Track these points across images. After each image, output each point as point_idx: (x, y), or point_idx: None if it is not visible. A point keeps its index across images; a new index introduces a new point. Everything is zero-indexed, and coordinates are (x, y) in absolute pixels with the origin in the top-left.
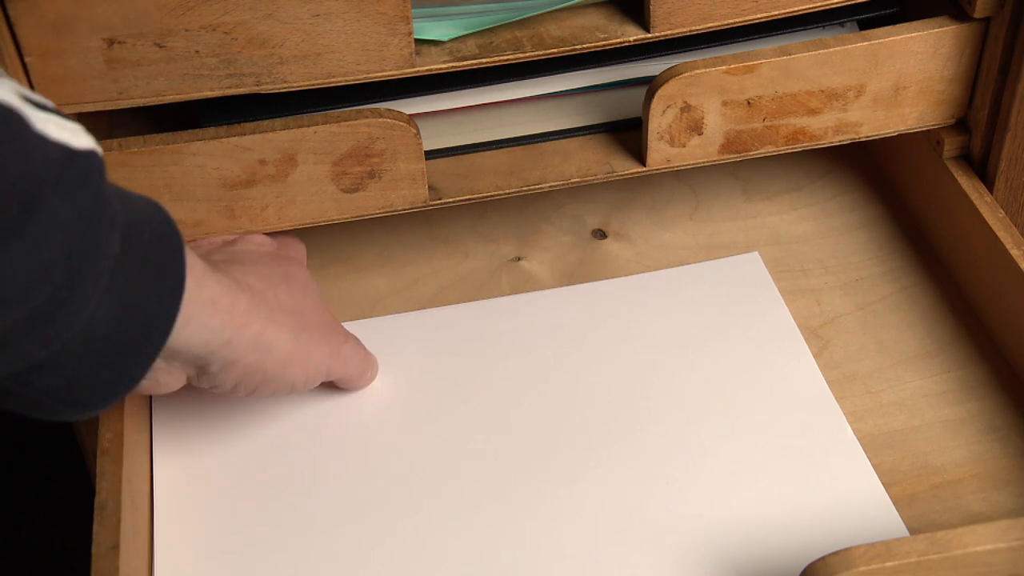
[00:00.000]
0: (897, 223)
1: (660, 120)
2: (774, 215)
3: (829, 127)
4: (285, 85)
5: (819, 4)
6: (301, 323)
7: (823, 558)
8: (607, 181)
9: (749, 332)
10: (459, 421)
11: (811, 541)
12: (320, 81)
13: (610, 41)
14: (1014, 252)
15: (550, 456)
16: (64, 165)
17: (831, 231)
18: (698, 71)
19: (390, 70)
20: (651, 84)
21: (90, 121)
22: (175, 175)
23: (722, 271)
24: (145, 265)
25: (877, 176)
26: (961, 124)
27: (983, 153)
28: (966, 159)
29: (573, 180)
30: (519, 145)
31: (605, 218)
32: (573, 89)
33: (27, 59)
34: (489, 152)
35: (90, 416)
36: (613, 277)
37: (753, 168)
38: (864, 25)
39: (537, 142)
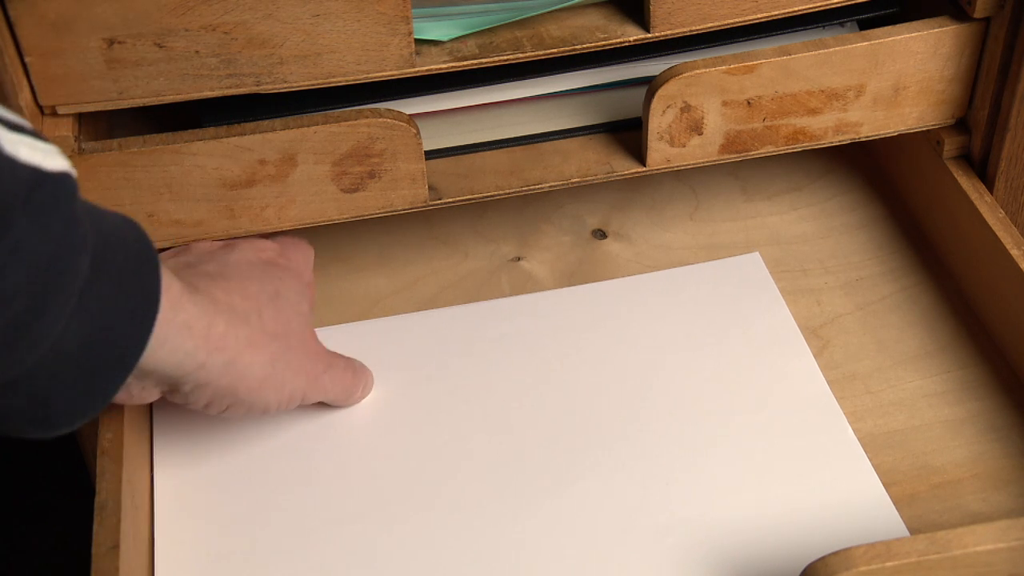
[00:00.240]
0: (897, 223)
1: (660, 120)
2: (774, 215)
3: (829, 127)
4: (285, 85)
5: (819, 4)
6: (281, 348)
7: (823, 558)
8: (607, 181)
9: (750, 332)
10: (459, 422)
11: (811, 541)
12: (320, 81)
13: (610, 41)
14: (1014, 252)
15: (550, 456)
16: (33, 188)
17: (831, 231)
18: (698, 71)
19: (390, 70)
20: (651, 84)
21: (90, 121)
22: (175, 175)
23: (723, 271)
24: (118, 287)
25: (877, 176)
26: (961, 124)
27: (983, 153)
28: (966, 159)
29: (573, 180)
30: (519, 145)
31: (605, 218)
32: (573, 89)
33: (27, 59)
34: (489, 152)
35: (59, 435)
36: (613, 277)
37: (753, 168)
38: (864, 25)
39: (537, 142)
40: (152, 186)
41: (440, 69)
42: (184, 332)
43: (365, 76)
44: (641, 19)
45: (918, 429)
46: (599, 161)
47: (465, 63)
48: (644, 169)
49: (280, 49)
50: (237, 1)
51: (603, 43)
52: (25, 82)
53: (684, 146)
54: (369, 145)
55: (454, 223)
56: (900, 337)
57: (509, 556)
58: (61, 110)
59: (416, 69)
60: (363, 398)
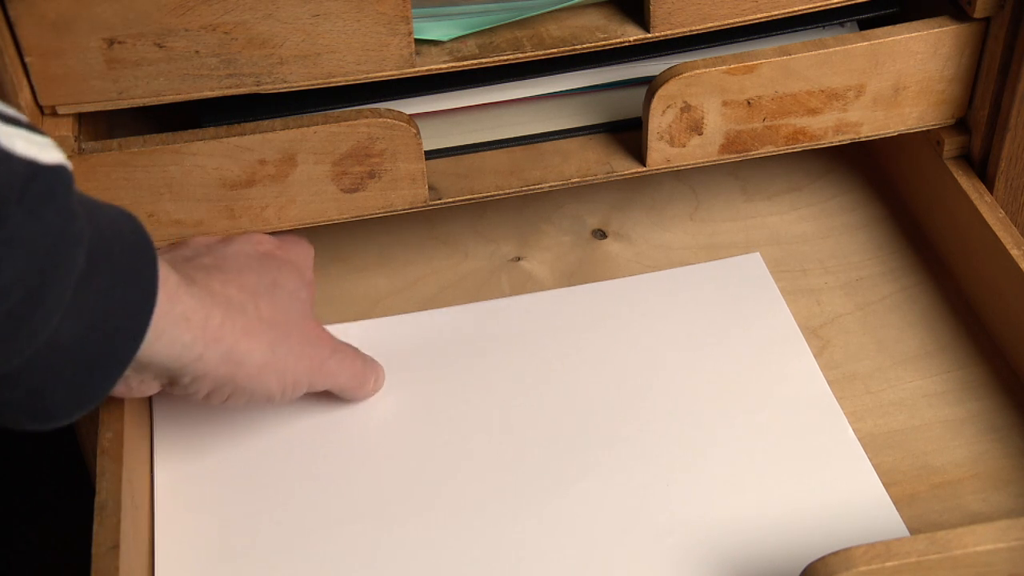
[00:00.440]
0: (897, 223)
1: (660, 120)
2: (774, 215)
3: (829, 127)
4: (285, 85)
5: (819, 4)
6: (280, 335)
7: (823, 558)
8: (607, 181)
9: (750, 332)
10: (459, 422)
11: (811, 541)
12: (320, 81)
13: (610, 41)
14: (1014, 252)
15: (550, 457)
16: (29, 180)
17: (831, 231)
18: (698, 71)
19: (390, 70)
20: (651, 84)
21: (90, 121)
22: (175, 175)
23: (723, 271)
24: (114, 280)
25: (877, 176)
26: (961, 124)
27: (983, 153)
28: (966, 159)
29: (573, 180)
30: (519, 145)
31: (605, 218)
32: (573, 89)
33: (27, 59)
34: (489, 152)
35: (56, 427)
36: (613, 277)
37: (753, 168)
38: (864, 25)
39: (537, 142)
40: (152, 186)
41: (440, 69)
42: (181, 324)
43: (365, 76)
44: (641, 19)
45: (918, 429)
46: (599, 161)
47: (465, 63)
48: (644, 169)
49: (280, 49)
50: (237, 1)
51: (603, 43)
52: (25, 82)
53: (684, 146)
54: (369, 145)
55: (454, 223)
56: (900, 337)
57: (509, 556)
58: (61, 110)
59: (416, 69)
60: (376, 391)
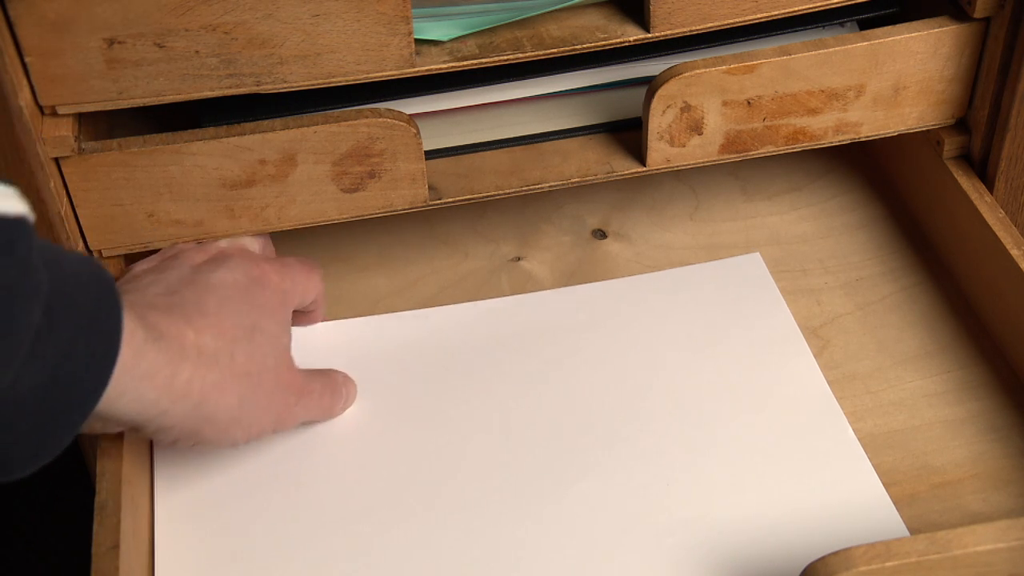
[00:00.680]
0: (897, 223)
1: (660, 120)
2: (774, 215)
3: (829, 127)
4: (285, 85)
5: (819, 4)
6: (251, 387)
7: (823, 558)
8: (607, 181)
9: (750, 333)
10: (458, 422)
11: (811, 541)
12: (320, 81)
13: (610, 41)
14: (1014, 252)
15: (550, 456)
16: None
17: (831, 231)
18: (698, 71)
19: (390, 70)
20: (651, 84)
21: (90, 121)
22: (175, 175)
23: (723, 271)
24: (76, 333)
25: (877, 176)
26: (961, 124)
27: (983, 153)
28: (966, 159)
29: (573, 180)
30: (519, 145)
31: (605, 218)
32: (573, 89)
33: (27, 59)
34: (489, 152)
35: (12, 480)
36: (613, 277)
37: (753, 168)
38: (864, 25)
39: (537, 142)
40: (152, 186)
41: (440, 69)
42: (145, 382)
43: (365, 76)
44: (641, 19)
45: (918, 429)
46: (599, 161)
47: (465, 63)
48: (644, 169)
49: (280, 49)
50: (237, 1)
51: (603, 43)
52: (25, 82)
53: (684, 146)
54: (369, 145)
55: (454, 223)
56: (900, 337)
57: (509, 556)
58: (61, 110)
59: (416, 69)
60: (344, 411)
